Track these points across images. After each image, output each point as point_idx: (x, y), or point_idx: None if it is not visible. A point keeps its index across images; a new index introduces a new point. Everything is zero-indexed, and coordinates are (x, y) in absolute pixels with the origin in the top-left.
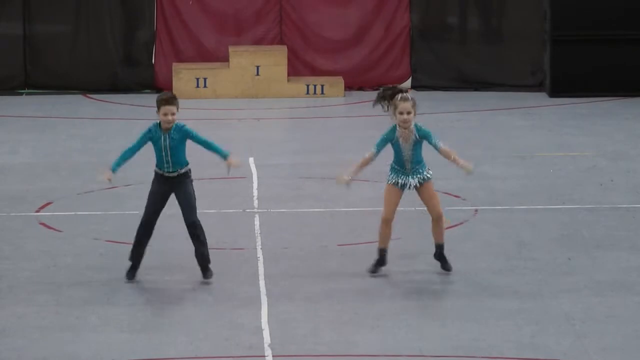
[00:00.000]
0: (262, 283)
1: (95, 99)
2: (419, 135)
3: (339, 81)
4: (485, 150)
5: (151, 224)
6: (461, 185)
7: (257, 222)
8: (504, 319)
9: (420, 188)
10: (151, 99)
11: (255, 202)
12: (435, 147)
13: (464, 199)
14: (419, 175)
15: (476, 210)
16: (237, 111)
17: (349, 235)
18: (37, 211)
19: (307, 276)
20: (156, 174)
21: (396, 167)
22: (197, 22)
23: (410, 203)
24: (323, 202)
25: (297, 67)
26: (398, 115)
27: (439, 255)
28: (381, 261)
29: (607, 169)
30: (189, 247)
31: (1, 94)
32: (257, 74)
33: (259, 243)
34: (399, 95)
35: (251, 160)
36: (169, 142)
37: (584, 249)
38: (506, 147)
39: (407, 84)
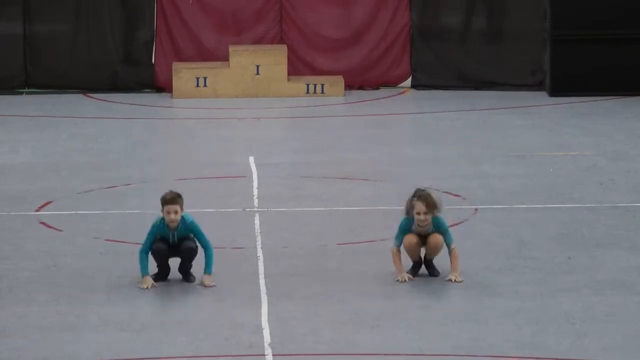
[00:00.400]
0: (262, 282)
1: (96, 99)
2: (436, 230)
3: (339, 80)
4: (485, 150)
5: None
6: (461, 184)
7: (257, 221)
8: (504, 318)
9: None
10: (151, 98)
11: (255, 201)
12: (448, 245)
13: (464, 198)
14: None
15: (476, 210)
16: (237, 110)
17: (348, 234)
18: (37, 210)
19: (307, 275)
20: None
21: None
22: (197, 21)
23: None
24: (323, 202)
25: (297, 67)
26: (415, 215)
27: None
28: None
29: (607, 168)
30: None
31: (1, 94)
32: (257, 74)
33: (259, 242)
34: (416, 194)
35: (251, 159)
36: (177, 236)
37: (584, 248)
38: (506, 146)
39: (407, 83)
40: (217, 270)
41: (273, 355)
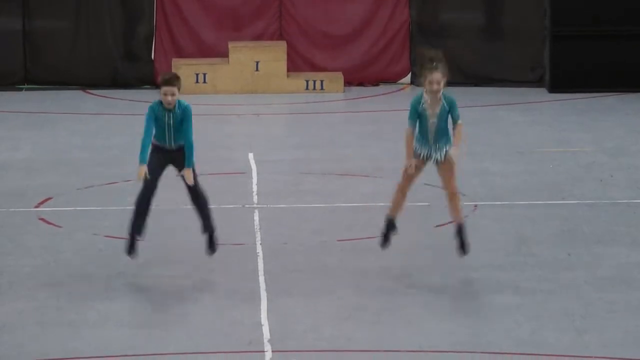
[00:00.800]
0: (261, 279)
1: (96, 95)
2: (446, 102)
3: (339, 77)
4: (485, 146)
5: (151, 194)
6: (461, 180)
7: (256, 218)
8: (503, 315)
9: (440, 163)
10: (151, 94)
11: (255, 198)
12: (455, 120)
13: (463, 195)
14: (441, 150)
15: (476, 206)
16: (237, 107)
17: (348, 230)
18: (37, 207)
19: (307, 271)
20: (155, 146)
21: (419, 137)
22: (197, 17)
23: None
24: (323, 198)
25: (297, 63)
26: (428, 85)
27: (456, 235)
28: (388, 230)
29: (607, 164)
30: (189, 241)
31: (1, 90)
32: (257, 70)
33: (258, 238)
34: (430, 65)
35: (251, 155)
36: (173, 120)
37: (584, 245)
38: (506, 143)
39: (407, 79)
40: (217, 267)
41: (273, 351)
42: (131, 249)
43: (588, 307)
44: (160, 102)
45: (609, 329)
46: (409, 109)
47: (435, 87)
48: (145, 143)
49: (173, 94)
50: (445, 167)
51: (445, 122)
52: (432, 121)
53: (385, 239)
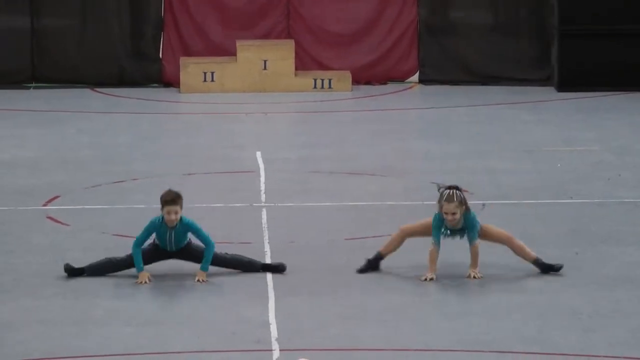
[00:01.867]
0: (269, 277)
1: (103, 93)
2: (466, 224)
3: (347, 75)
4: (492, 145)
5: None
6: (469, 179)
7: (264, 216)
8: (510, 313)
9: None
10: (159, 93)
11: (263, 196)
12: (470, 241)
13: (471, 193)
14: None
15: (483, 205)
16: (245, 105)
17: (356, 229)
18: (44, 205)
19: (314, 270)
20: (156, 245)
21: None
22: (205, 16)
23: (418, 197)
24: (330, 197)
25: (305, 61)
26: (444, 215)
27: (541, 268)
28: (371, 264)
29: (615, 163)
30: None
31: (8, 88)
32: (265, 68)
33: (266, 237)
34: (444, 195)
35: (259, 154)
36: (174, 236)
37: (591, 244)
38: (514, 142)
39: (415, 78)
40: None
41: (280, 350)
42: (72, 272)
43: (595, 306)
44: (162, 219)
45: (616, 328)
46: (432, 228)
47: (449, 217)
48: (138, 252)
49: (176, 212)
50: (486, 236)
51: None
52: (453, 237)
53: (366, 269)
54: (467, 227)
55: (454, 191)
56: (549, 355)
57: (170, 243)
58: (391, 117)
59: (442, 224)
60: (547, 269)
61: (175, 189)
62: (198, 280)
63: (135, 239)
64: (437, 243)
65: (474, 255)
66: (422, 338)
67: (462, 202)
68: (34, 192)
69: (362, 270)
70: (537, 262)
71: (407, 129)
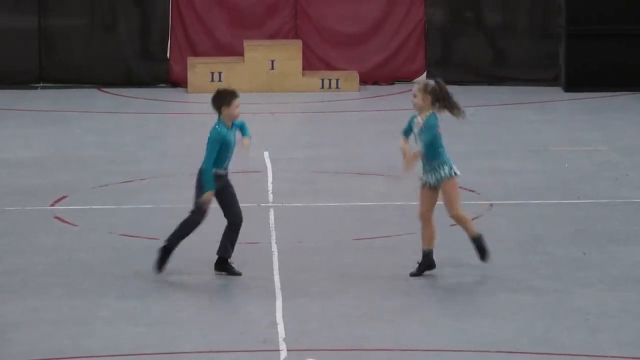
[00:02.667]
0: (276, 277)
1: (110, 93)
2: (424, 124)
3: (354, 76)
4: (499, 145)
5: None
6: (476, 179)
7: (272, 217)
8: (518, 314)
9: (437, 187)
10: (166, 93)
11: (270, 197)
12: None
13: (478, 194)
14: (435, 174)
15: (491, 205)
16: (252, 105)
17: (364, 229)
18: (52, 205)
19: (322, 270)
20: (219, 176)
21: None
22: (212, 16)
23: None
24: (338, 197)
25: (312, 62)
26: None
27: (476, 247)
28: (425, 263)
29: (622, 163)
30: (203, 240)
31: (16, 88)
32: (272, 68)
33: (273, 237)
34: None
35: (266, 154)
36: (233, 137)
37: (598, 244)
38: (520, 142)
39: (422, 78)
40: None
41: (287, 350)
42: (162, 264)
43: (602, 306)
44: (220, 123)
45: (623, 328)
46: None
47: (412, 100)
48: (211, 172)
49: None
50: (442, 191)
51: (431, 145)
52: (420, 143)
53: (421, 270)
54: (427, 127)
55: (428, 80)
56: (556, 356)
57: (233, 149)
58: (398, 117)
59: (412, 120)
60: (481, 251)
61: (184, 190)
62: (244, 145)
63: (204, 163)
64: (403, 132)
65: (413, 157)
66: (429, 338)
67: (428, 92)
68: (41, 192)
69: (416, 274)
70: (477, 240)
71: None
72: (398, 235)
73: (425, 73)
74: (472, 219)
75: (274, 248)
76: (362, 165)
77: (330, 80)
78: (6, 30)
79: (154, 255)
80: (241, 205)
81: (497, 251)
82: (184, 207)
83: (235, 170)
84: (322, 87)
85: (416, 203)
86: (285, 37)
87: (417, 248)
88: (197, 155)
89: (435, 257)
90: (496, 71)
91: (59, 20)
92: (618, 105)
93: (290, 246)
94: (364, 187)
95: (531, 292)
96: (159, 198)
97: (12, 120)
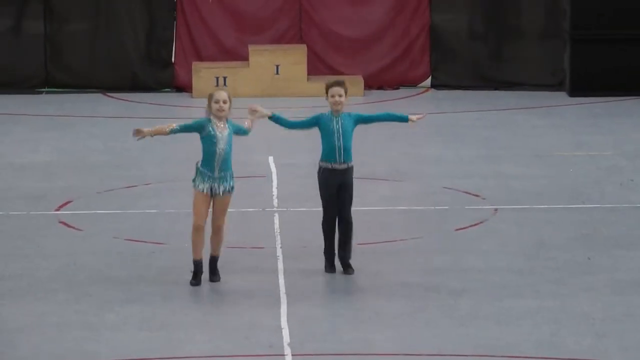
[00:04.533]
0: (281, 282)
1: (115, 98)
2: (232, 128)
3: (359, 80)
4: (504, 150)
5: (335, 220)
6: (481, 184)
7: (276, 221)
8: (523, 318)
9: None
10: (171, 98)
11: (275, 201)
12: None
13: (483, 198)
14: (224, 184)
15: (495, 210)
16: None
17: (368, 234)
18: (57, 210)
19: (327, 275)
20: (324, 170)
21: (204, 169)
22: (217, 21)
23: (430, 202)
24: None
25: (317, 66)
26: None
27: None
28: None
29: (627, 168)
30: (208, 245)
31: (21, 93)
32: (277, 73)
33: (278, 242)
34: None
35: (271, 159)
36: (341, 125)
37: (603, 248)
38: (526, 147)
39: (427, 82)
40: (237, 270)
41: (292, 355)
42: (328, 268)
43: (607, 311)
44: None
45: (628, 333)
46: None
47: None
48: (290, 123)
49: (340, 95)
50: (223, 202)
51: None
52: (221, 148)
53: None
54: (236, 131)
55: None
56: None
57: (339, 138)
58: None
59: (206, 123)
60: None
61: (185, 193)
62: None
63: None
64: (178, 130)
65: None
66: (435, 342)
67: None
68: (47, 196)
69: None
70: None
71: (419, 133)
72: (403, 239)
73: (430, 78)
74: (477, 224)
75: (279, 253)
76: (367, 170)
77: None
78: (12, 35)
79: (158, 260)
80: (246, 210)
81: (501, 255)
82: (189, 212)
83: (240, 175)
84: None
85: (421, 208)
86: (290, 41)
87: (423, 252)
88: None
89: (440, 261)
90: (501, 76)
91: (64, 25)
92: (623, 109)
93: (295, 251)
94: (369, 192)
95: (536, 297)
96: (164, 203)
97: (17, 125)
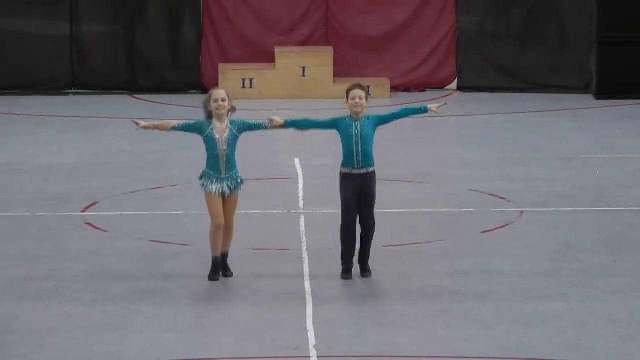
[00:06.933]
0: (307, 284)
1: (141, 99)
2: (235, 128)
3: (385, 82)
4: (530, 152)
5: (353, 225)
6: (506, 186)
7: (302, 223)
8: (549, 321)
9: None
10: (197, 99)
11: (301, 203)
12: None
13: (509, 201)
14: (233, 183)
15: (521, 212)
16: (283, 112)
17: (394, 236)
18: (83, 211)
19: (352, 277)
20: (343, 174)
21: (210, 171)
22: (244, 22)
23: (456, 205)
24: None
25: (343, 68)
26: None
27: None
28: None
29: None
30: (234, 247)
31: (48, 94)
32: (303, 75)
33: (304, 244)
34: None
35: (297, 161)
36: (360, 129)
37: (629, 251)
38: (552, 149)
39: (453, 85)
40: (263, 272)
41: (318, 357)
42: (345, 275)
43: (634, 314)
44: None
45: None
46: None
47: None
48: (305, 122)
49: (361, 98)
50: (232, 199)
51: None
52: (222, 148)
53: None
54: (241, 128)
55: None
56: None
57: (357, 143)
58: (429, 124)
59: (208, 125)
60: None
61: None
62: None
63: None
64: (177, 128)
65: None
66: (460, 345)
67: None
68: (73, 198)
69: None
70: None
71: (445, 136)
72: (428, 242)
73: (456, 80)
74: (503, 227)
75: (305, 254)
76: (392, 172)
77: None
78: (38, 37)
79: (184, 261)
80: (272, 211)
81: (527, 258)
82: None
83: (266, 176)
84: None
85: (447, 210)
86: (317, 43)
87: (449, 254)
88: None
89: (466, 264)
90: (527, 78)
91: (90, 26)
92: None
93: (321, 253)
94: (394, 194)
95: (562, 300)
96: (190, 204)
97: (44, 127)
